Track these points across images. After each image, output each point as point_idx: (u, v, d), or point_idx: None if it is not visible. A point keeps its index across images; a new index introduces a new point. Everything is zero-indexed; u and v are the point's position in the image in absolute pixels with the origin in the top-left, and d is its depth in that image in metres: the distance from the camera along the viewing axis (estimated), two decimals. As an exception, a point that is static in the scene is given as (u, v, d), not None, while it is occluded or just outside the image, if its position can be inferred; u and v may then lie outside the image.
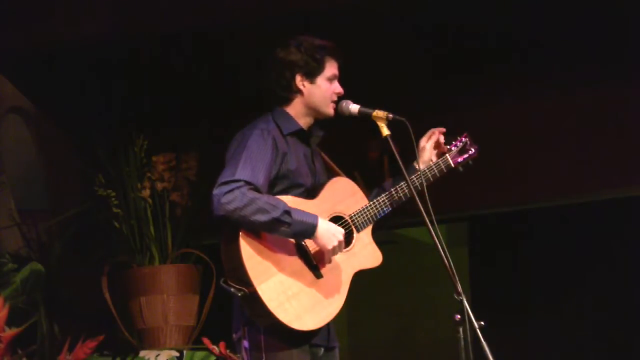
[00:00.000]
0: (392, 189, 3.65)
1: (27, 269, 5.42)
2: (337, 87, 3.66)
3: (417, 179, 3.64)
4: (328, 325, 3.56)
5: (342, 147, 4.68)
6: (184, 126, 5.55)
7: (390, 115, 3.52)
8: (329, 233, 3.47)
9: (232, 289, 3.39)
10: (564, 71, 5.34)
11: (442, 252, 3.20)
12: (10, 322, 5.04)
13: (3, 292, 5.16)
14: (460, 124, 5.64)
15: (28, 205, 5.61)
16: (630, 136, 5.35)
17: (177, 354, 5.18)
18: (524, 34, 5.17)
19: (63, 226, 5.66)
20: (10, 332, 4.98)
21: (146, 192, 5.38)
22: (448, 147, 3.78)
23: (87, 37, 5.22)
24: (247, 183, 3.40)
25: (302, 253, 3.50)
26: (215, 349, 5.12)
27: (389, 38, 5.19)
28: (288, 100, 3.66)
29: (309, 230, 3.44)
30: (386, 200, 3.64)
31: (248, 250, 3.39)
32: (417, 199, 3.43)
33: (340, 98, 3.65)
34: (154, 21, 5.19)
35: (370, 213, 3.63)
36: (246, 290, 3.36)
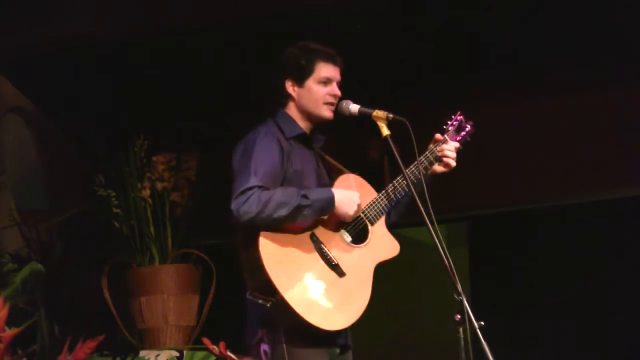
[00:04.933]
0: (398, 178, 3.65)
1: (27, 269, 5.42)
2: (332, 90, 3.66)
3: (425, 158, 3.67)
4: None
5: (342, 147, 4.69)
6: (184, 126, 5.55)
7: (391, 115, 3.53)
8: (347, 199, 3.52)
9: (260, 301, 3.41)
10: (563, 72, 5.34)
11: (442, 252, 3.20)
12: (10, 322, 5.04)
13: (3, 292, 5.16)
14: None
15: (28, 205, 5.61)
16: (630, 137, 5.35)
17: (177, 354, 5.18)
18: (524, 33, 5.18)
19: (63, 226, 5.66)
20: (10, 332, 4.98)
21: (146, 192, 5.38)
22: (444, 127, 3.78)
23: (86, 37, 5.22)
24: (260, 187, 3.43)
25: (322, 254, 3.51)
26: (215, 349, 5.13)
27: (389, 38, 5.19)
28: (285, 104, 3.70)
29: (329, 203, 3.49)
30: (394, 191, 3.65)
31: (269, 260, 3.40)
32: (423, 183, 3.48)
33: (341, 98, 3.66)
34: (154, 21, 5.19)
35: (381, 204, 3.64)
36: (274, 300, 3.38)
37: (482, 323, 3.06)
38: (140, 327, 5.37)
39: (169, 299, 5.33)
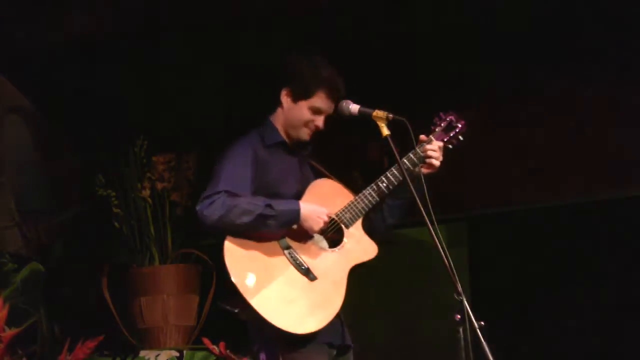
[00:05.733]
0: (377, 180, 3.65)
1: (27, 269, 5.42)
2: (318, 121, 3.68)
3: (407, 160, 3.64)
4: (342, 325, 3.60)
5: (342, 147, 4.69)
6: (184, 126, 5.55)
7: (391, 115, 3.53)
8: (313, 214, 3.53)
9: (227, 307, 3.43)
10: (563, 72, 5.34)
11: (442, 252, 3.20)
12: (10, 322, 5.04)
13: (3, 292, 5.16)
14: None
15: (28, 205, 5.61)
16: (630, 137, 5.35)
17: (177, 354, 5.18)
18: (524, 33, 5.18)
19: (63, 226, 5.66)
20: (10, 332, 4.97)
21: (146, 192, 5.38)
22: (433, 127, 3.76)
23: (87, 37, 5.22)
24: (227, 192, 3.45)
25: (292, 259, 3.51)
26: (215, 349, 5.12)
27: (388, 37, 5.19)
28: (274, 110, 3.72)
29: (294, 216, 3.50)
30: (372, 192, 3.64)
31: (235, 267, 3.42)
32: (409, 182, 3.43)
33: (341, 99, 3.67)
34: (154, 21, 5.19)
35: (357, 207, 3.64)
36: (241, 306, 3.40)
37: (482, 323, 3.06)
38: (140, 327, 5.37)
39: (169, 299, 5.32)
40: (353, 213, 3.63)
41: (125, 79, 5.39)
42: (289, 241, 3.56)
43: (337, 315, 3.56)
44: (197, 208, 3.45)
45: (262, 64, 3.90)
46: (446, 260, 3.18)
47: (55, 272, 5.52)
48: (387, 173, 3.64)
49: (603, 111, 5.41)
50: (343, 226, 3.62)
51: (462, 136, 3.76)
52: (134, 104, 5.48)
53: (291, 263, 3.51)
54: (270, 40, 5.04)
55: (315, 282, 3.51)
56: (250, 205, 3.44)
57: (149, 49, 5.34)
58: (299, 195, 3.63)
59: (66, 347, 5.08)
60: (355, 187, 3.75)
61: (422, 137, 3.72)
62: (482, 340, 3.03)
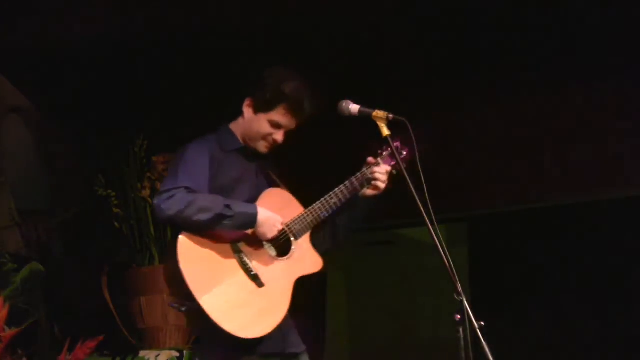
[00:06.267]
0: (327, 195, 3.67)
1: (27, 269, 5.42)
2: (278, 135, 3.67)
3: (355, 179, 3.67)
4: (282, 332, 3.57)
5: (342, 147, 4.69)
6: (184, 126, 5.55)
7: (391, 115, 3.52)
8: (270, 221, 3.54)
9: (175, 305, 3.43)
10: (563, 71, 5.34)
11: (442, 252, 3.20)
12: (10, 322, 5.04)
13: (3, 292, 5.16)
14: (460, 124, 5.69)
15: (28, 205, 5.61)
16: (629, 137, 5.35)
17: (177, 354, 5.18)
18: (524, 34, 5.18)
19: (63, 226, 5.66)
20: (10, 332, 4.98)
21: (146, 192, 5.38)
22: (379, 151, 3.77)
23: (86, 37, 5.22)
24: (187, 188, 3.45)
25: (242, 263, 3.52)
26: (215, 349, 5.11)
27: (388, 37, 5.19)
28: (234, 118, 3.72)
29: (251, 219, 3.51)
30: (321, 207, 3.66)
31: (187, 264, 3.41)
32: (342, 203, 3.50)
33: (341, 99, 3.66)
34: (154, 21, 5.20)
35: (306, 220, 3.66)
36: (189, 304, 3.39)
37: (482, 323, 3.06)
38: (140, 327, 5.37)
39: (169, 299, 5.32)
40: (302, 225, 3.66)
41: (126, 79, 5.39)
42: (240, 245, 3.57)
43: (280, 325, 3.54)
44: (155, 202, 3.44)
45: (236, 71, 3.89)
46: (446, 260, 3.18)
47: (55, 272, 5.52)
48: (337, 190, 3.67)
49: (604, 111, 5.41)
50: (292, 237, 3.64)
51: (406, 163, 3.76)
52: (134, 104, 5.48)
53: (241, 267, 3.53)
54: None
55: (263, 288, 3.53)
56: (209, 203, 3.45)
57: (149, 49, 5.34)
58: (251, 201, 3.64)
59: (66, 347, 5.08)
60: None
61: (370, 159, 3.75)
62: (482, 340, 3.03)
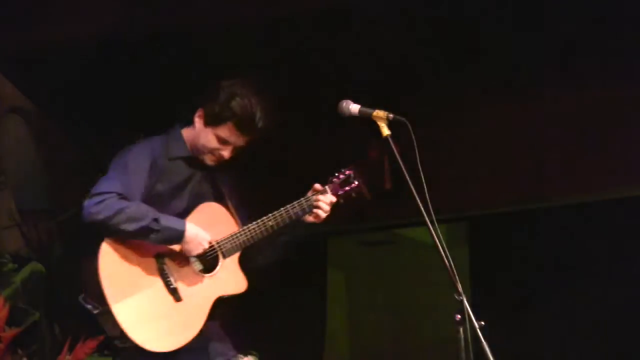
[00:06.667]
0: (265, 217, 3.63)
1: (27, 269, 5.41)
2: (224, 150, 3.64)
3: (298, 205, 3.64)
4: (205, 342, 3.56)
5: (342, 147, 4.69)
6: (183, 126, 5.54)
7: (391, 116, 3.51)
8: (197, 238, 3.51)
9: (88, 306, 3.43)
10: (563, 71, 5.34)
11: (442, 252, 3.20)
12: (10, 322, 5.04)
13: (3, 292, 5.16)
14: (460, 124, 5.69)
15: (28, 205, 5.61)
16: (629, 137, 5.35)
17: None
18: (524, 33, 5.18)
19: (63, 226, 5.66)
20: (10, 332, 4.98)
21: (146, 192, 5.37)
22: (330, 177, 3.75)
23: (87, 37, 5.22)
24: (118, 194, 3.43)
25: (163, 276, 3.51)
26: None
27: (389, 37, 5.19)
28: (186, 125, 3.71)
29: (178, 235, 3.48)
30: (257, 229, 3.63)
31: (106, 269, 3.42)
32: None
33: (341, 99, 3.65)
34: (154, 21, 5.19)
35: (239, 240, 3.63)
36: (101, 309, 3.40)
37: (482, 323, 3.06)
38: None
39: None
40: (233, 244, 3.64)
41: (126, 79, 5.39)
42: (165, 258, 3.55)
43: (203, 336, 3.53)
44: (85, 203, 3.45)
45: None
46: (446, 260, 3.18)
47: (55, 272, 5.51)
48: (276, 213, 3.63)
49: (604, 111, 5.41)
50: (221, 255, 3.62)
51: (356, 194, 3.73)
52: (135, 104, 5.48)
53: (161, 279, 3.51)
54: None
55: (180, 303, 3.52)
56: (138, 214, 3.42)
57: (149, 49, 5.34)
58: (188, 211, 3.62)
59: (66, 347, 5.08)
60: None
61: (317, 186, 3.73)
62: (482, 340, 3.03)
